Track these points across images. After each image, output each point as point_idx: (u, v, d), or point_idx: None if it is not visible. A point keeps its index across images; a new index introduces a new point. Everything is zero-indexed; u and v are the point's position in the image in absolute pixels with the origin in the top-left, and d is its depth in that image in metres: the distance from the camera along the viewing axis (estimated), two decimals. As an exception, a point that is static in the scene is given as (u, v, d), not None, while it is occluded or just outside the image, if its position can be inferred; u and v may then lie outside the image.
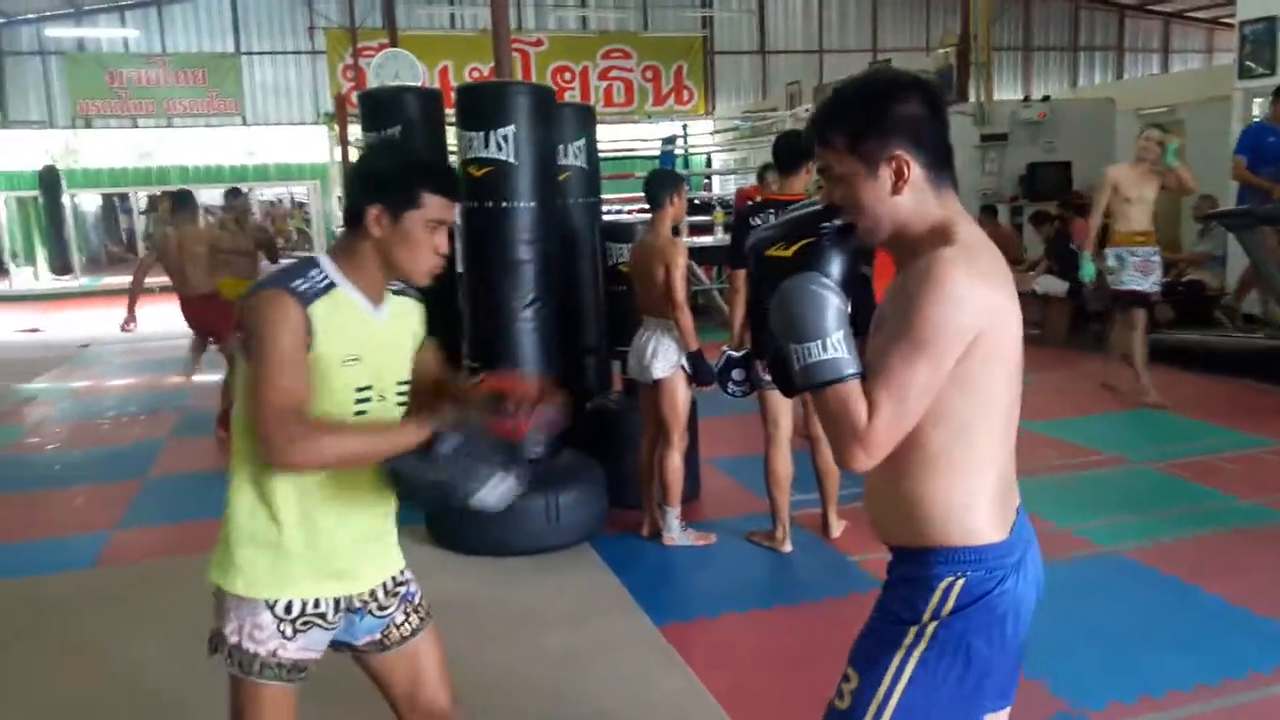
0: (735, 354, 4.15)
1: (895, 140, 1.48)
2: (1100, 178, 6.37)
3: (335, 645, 1.91)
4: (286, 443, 1.64)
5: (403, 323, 1.91)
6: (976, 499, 1.52)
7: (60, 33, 19.25)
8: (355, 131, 8.78)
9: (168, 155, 19.52)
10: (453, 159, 4.81)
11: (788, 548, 4.21)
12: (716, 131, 17.92)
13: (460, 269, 4.81)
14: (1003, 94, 17.10)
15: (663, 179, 4.39)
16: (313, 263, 1.78)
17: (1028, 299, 7.95)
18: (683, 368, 4.17)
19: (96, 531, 4.90)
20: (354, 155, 8.94)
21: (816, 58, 21.86)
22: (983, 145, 10.54)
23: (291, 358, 1.67)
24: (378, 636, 1.92)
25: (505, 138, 4.24)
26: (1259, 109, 8.13)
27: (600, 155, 5.58)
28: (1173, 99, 11.95)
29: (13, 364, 10.34)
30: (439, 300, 1.94)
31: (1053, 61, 23.83)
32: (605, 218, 6.03)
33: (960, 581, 1.52)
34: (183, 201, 6.86)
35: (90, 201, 21.78)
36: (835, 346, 1.43)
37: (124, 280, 7.21)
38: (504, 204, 4.30)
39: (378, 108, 5.21)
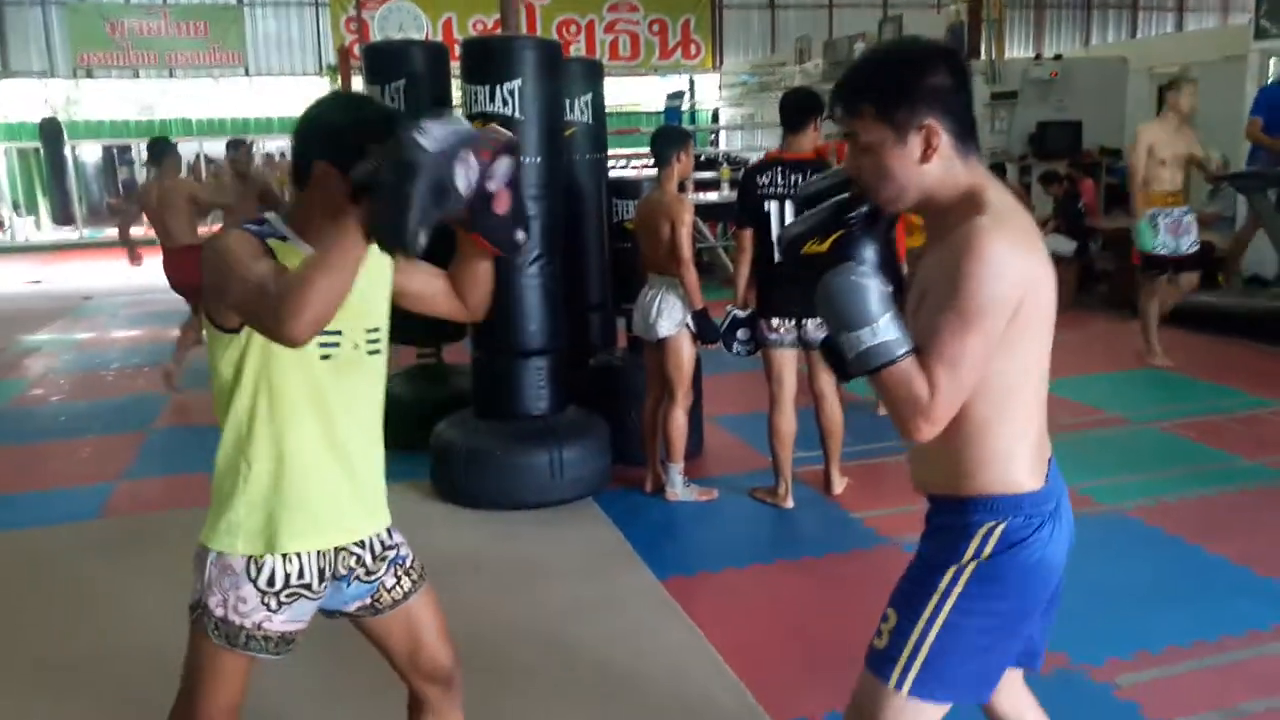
0: (741, 313, 4.15)
1: (925, 109, 1.52)
2: (1133, 140, 6.08)
3: (327, 613, 1.90)
4: (275, 322, 1.51)
5: (368, 274, 1.67)
6: (1018, 451, 1.60)
7: (59, -19, 19.00)
8: (359, 84, 8.70)
9: (170, 108, 19.34)
10: (458, 113, 4.75)
11: (790, 503, 4.23)
12: (724, 86, 17.71)
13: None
14: (1014, 51, 16.89)
15: (669, 136, 4.36)
16: (262, 220, 1.74)
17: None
18: (687, 325, 4.16)
19: (101, 483, 4.93)
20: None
21: (826, 12, 21.51)
22: (992, 103, 10.39)
23: (253, 255, 1.62)
24: (368, 601, 1.89)
25: (512, 92, 4.20)
26: (1275, 69, 8.03)
27: (606, 110, 5.52)
28: (1187, 58, 11.77)
29: (15, 315, 10.35)
30: (441, 257, 1.90)
31: (1065, 19, 23.41)
32: (611, 173, 5.98)
33: (1001, 527, 1.59)
34: (161, 151, 6.71)
35: (91, 153, 21.64)
36: (884, 330, 1.48)
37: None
38: (510, 159, 4.26)
39: (382, 61, 5.15)
